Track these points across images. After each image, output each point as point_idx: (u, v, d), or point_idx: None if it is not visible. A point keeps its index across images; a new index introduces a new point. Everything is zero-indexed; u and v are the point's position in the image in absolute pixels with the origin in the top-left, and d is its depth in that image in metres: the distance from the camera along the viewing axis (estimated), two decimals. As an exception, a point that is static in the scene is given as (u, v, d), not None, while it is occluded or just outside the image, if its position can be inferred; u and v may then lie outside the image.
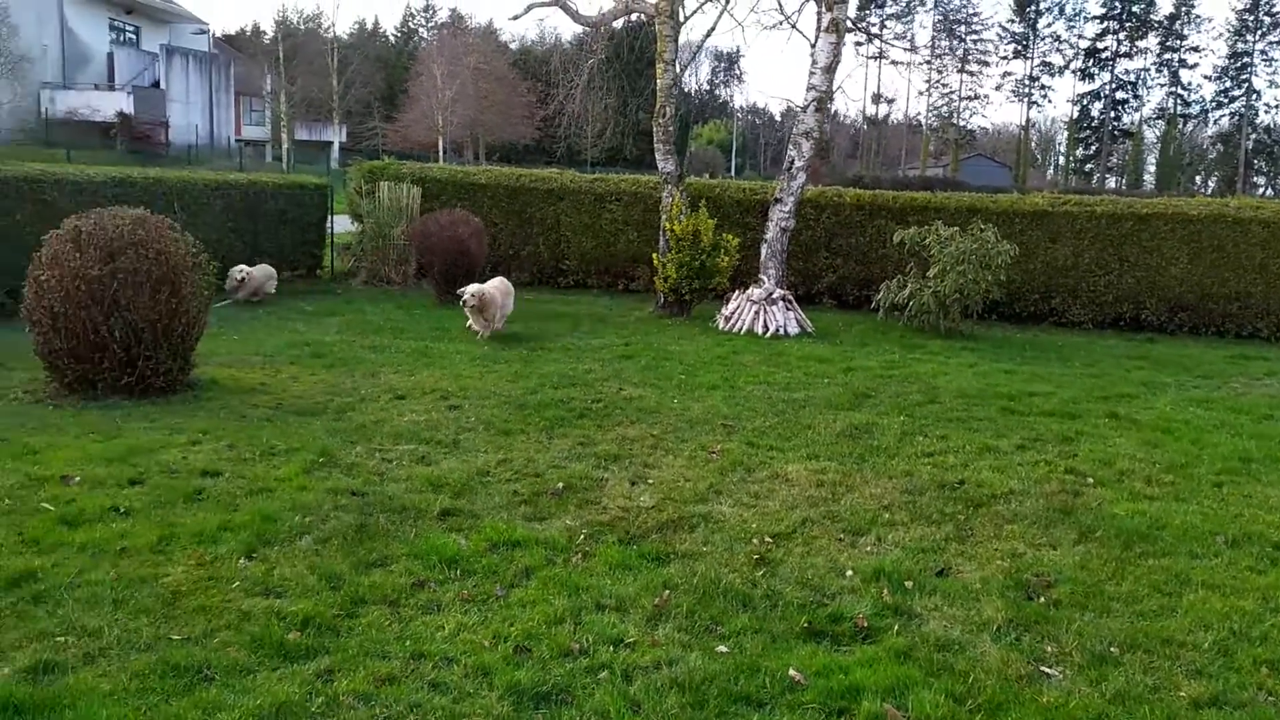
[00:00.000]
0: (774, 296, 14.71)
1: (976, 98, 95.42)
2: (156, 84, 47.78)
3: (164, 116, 46.55)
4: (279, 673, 4.15)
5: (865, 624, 4.78)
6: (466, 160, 58.19)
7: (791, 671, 4.28)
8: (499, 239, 18.70)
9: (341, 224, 20.72)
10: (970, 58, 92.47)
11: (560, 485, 6.78)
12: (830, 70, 15.07)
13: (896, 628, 4.79)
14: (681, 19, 16.33)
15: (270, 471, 6.83)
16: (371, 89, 66.48)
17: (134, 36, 50.02)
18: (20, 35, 38.99)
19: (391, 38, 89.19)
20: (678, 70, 16.36)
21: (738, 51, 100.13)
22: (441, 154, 57.93)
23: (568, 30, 76.73)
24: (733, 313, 14.82)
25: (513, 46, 78.35)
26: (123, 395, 8.60)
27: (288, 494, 6.36)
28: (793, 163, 15.38)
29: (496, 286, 13.04)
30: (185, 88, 49.60)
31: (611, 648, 4.47)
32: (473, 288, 12.69)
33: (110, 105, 44.40)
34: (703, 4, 17.86)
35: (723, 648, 4.50)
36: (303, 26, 66.57)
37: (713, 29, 28.31)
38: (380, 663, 4.26)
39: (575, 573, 5.30)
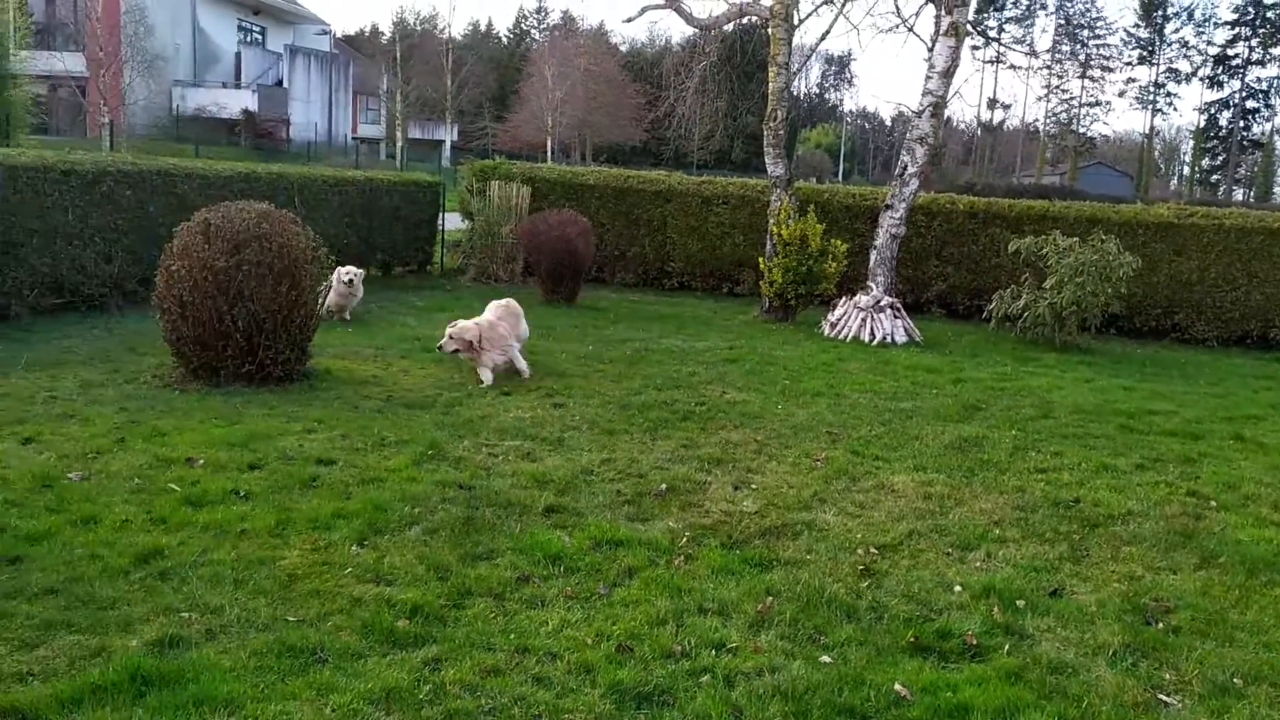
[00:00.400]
0: (882, 304, 14.49)
1: (1098, 104, 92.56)
2: (280, 83, 49.45)
3: (286, 114, 48.13)
4: (388, 659, 4.25)
5: (974, 642, 4.67)
6: (574, 161, 58.79)
7: (897, 686, 4.20)
8: (605, 239, 18.83)
9: (452, 221, 21.14)
10: (1093, 63, 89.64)
11: (663, 487, 6.79)
12: (948, 75, 14.78)
13: (1007, 647, 4.66)
14: (796, 21, 16.21)
15: (381, 462, 6.99)
16: (483, 89, 67.63)
17: (260, 37, 51.85)
18: (156, 35, 40.75)
19: (504, 39, 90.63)
20: (790, 74, 16.25)
21: (849, 55, 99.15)
22: (550, 154, 58.62)
23: (678, 33, 76.83)
24: (839, 319, 14.65)
25: (623, 49, 78.84)
26: (243, 383, 8.90)
27: (398, 484, 6.50)
28: (905, 168, 15.14)
29: (495, 314, 10.29)
30: (306, 86, 51.22)
31: (713, 652, 4.45)
32: (453, 327, 9.86)
33: (236, 103, 46.10)
34: (818, 7, 17.68)
35: (826, 658, 4.45)
36: (419, 28, 68.08)
37: (827, 32, 28.01)
38: (486, 654, 4.32)
39: (677, 575, 5.30)
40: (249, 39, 50.86)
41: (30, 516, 5.52)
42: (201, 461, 6.72)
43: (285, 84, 49.57)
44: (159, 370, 9.37)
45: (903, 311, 14.77)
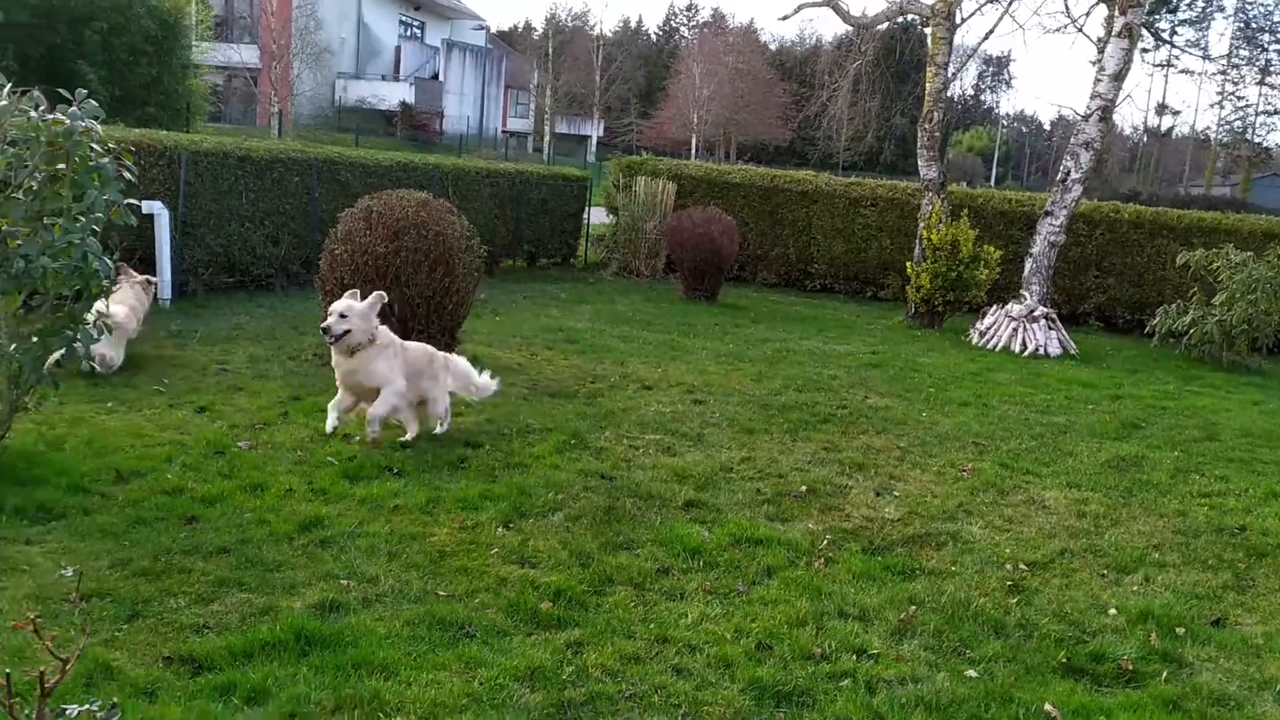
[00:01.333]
0: (1035, 314, 14.03)
1: (1276, 113, 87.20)
2: (436, 76, 50.94)
3: (440, 107, 49.56)
4: (532, 639, 4.36)
5: (1130, 667, 4.49)
6: (717, 159, 58.72)
7: (1047, 706, 4.08)
8: (748, 239, 18.78)
9: (596, 216, 21.43)
10: (1272, 69, 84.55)
11: (803, 488, 6.75)
12: (1119, 78, 14.20)
13: (1165, 674, 4.47)
14: (958, 20, 15.84)
15: (526, 448, 7.15)
16: (631, 85, 68.27)
17: (419, 31, 53.54)
18: (324, 29, 42.54)
19: (653, 35, 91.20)
20: (949, 74, 15.88)
21: (1008, 55, 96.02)
22: (694, 152, 58.76)
23: (829, 31, 75.88)
24: (988, 328, 14.26)
25: (772, 46, 78.34)
26: (397, 364, 9.22)
27: (542, 471, 6.65)
28: (1068, 174, 14.61)
29: (410, 355, 7.34)
30: (461, 80, 52.64)
31: (854, 656, 4.41)
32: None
33: (394, 95, 47.73)
34: (981, 6, 17.26)
35: (972, 672, 4.36)
36: (571, 24, 69.20)
37: (991, 32, 27.20)
38: (626, 641, 4.39)
39: (817, 577, 5.27)
40: (409, 33, 52.56)
41: (205, 480, 5.87)
42: (358, 438, 7.00)
43: (441, 78, 51.04)
44: (319, 349, 9.79)
45: (1057, 322, 14.27)
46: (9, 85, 5.25)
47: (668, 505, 6.22)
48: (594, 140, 65.29)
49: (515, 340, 11.35)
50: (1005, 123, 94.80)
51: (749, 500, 6.47)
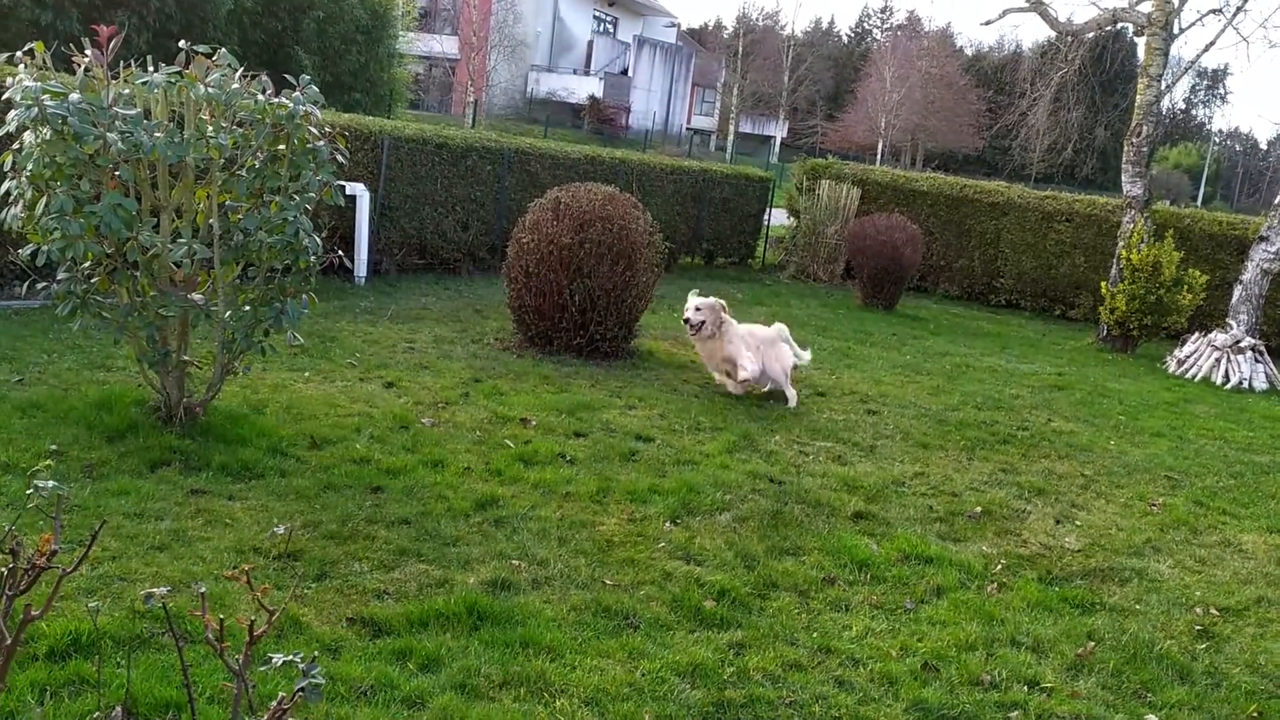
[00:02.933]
0: (1242, 344, 13.13)
1: None
2: (625, 71, 51.72)
3: (628, 102, 50.30)
4: (695, 635, 4.38)
5: (1332, 731, 4.18)
6: (903, 165, 57.38)
7: (1235, 763, 3.84)
8: (932, 249, 18.30)
9: (776, 217, 21.29)
10: None
11: (978, 509, 6.54)
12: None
13: (1371, 743, 4.14)
14: (1175, 30, 14.97)
15: (696, 445, 7.19)
16: (819, 87, 67.43)
17: (612, 27, 54.46)
18: (521, 21, 43.80)
19: (845, 37, 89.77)
20: (1162, 87, 15.03)
21: (1225, 69, 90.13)
22: (879, 157, 57.58)
23: (1029, 38, 72.92)
24: (1188, 356, 13.44)
25: (968, 51, 75.93)
26: (573, 354, 9.43)
27: (710, 469, 6.67)
28: (1287, 197, 13.61)
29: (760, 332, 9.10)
30: (649, 76, 53.27)
31: (1026, 688, 4.25)
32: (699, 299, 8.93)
33: (583, 89, 48.72)
34: (1202, 16, 16.15)
35: (1152, 717, 4.13)
36: (761, 23, 68.84)
37: (1211, 44, 25.03)
38: (788, 648, 4.36)
39: (989, 602, 5.10)
40: (601, 28, 53.53)
41: (390, 453, 6.15)
42: (534, 423, 7.20)
43: (630, 73, 51.79)
44: (500, 334, 10.11)
45: (1266, 355, 13.31)
46: (240, 70, 5.62)
47: (836, 514, 6.14)
48: (777, 140, 64.85)
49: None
50: (1217, 139, 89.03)
51: (920, 516, 6.32)
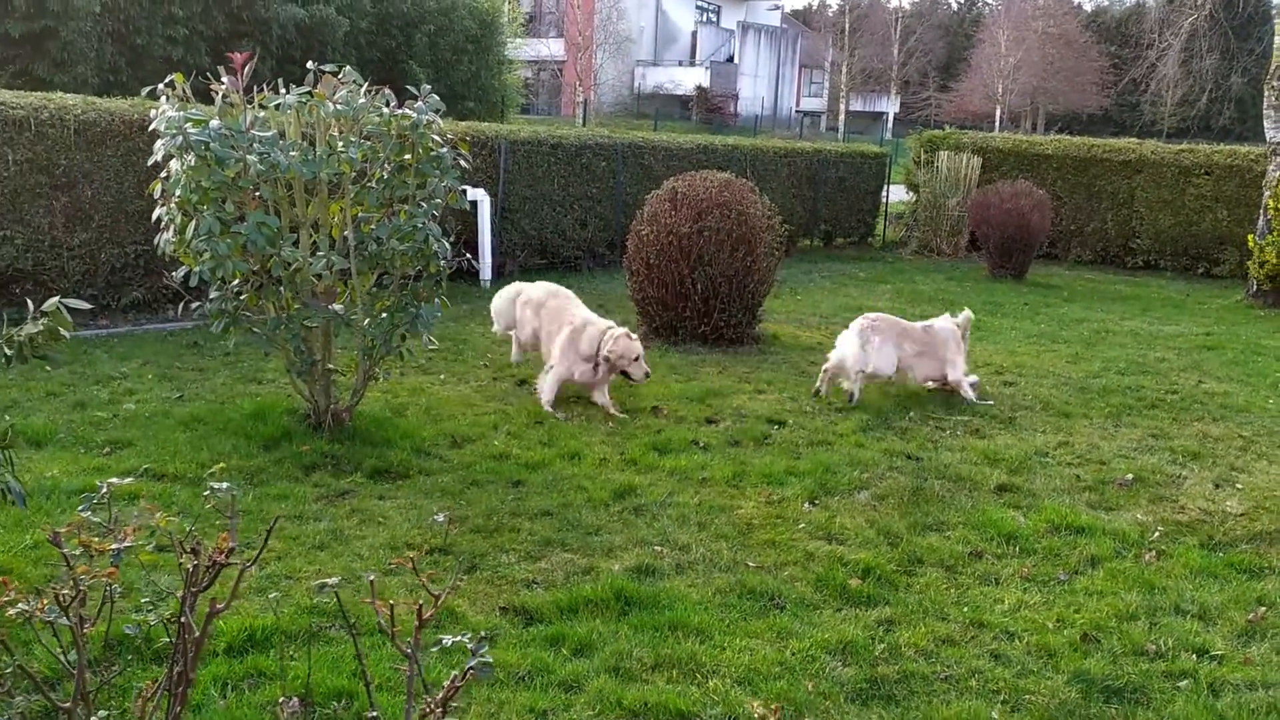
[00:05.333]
0: (1407, 291, 12.34)
1: None
2: (731, 59, 51.43)
3: (735, 89, 50.00)
4: (842, 614, 4.36)
5: None
6: (1024, 130, 55.52)
7: None
8: (1060, 214, 17.69)
9: (894, 194, 20.88)
10: None
11: (1129, 477, 6.31)
12: None
13: None
14: (1312, -36, 14.10)
15: (829, 426, 7.13)
16: (930, 58, 65.74)
17: (715, 15, 54.21)
18: (625, 18, 44.01)
19: (954, 5, 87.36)
20: (1301, 25, 14.18)
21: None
22: (997, 124, 55.84)
23: (1153, -13, 69.52)
24: (1349, 308, 12.68)
25: (1087, 7, 72.97)
26: (698, 342, 9.45)
27: (845, 449, 6.61)
28: None
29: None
30: (755, 62, 52.84)
31: (1194, 656, 4.09)
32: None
33: (690, 80, 48.67)
34: (1341, -55, 15.17)
35: (1335, 683, 3.93)
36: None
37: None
38: (939, 623, 4.30)
39: (1148, 570, 4.92)
40: (704, 18, 53.33)
41: (527, 447, 6.28)
42: (665, 412, 7.25)
43: (736, 60, 51.46)
44: (625, 327, 10.18)
45: None
46: (365, 85, 5.82)
47: (978, 488, 6.01)
48: (890, 116, 63.54)
49: (814, 319, 11.31)
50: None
51: (1067, 487, 6.14)
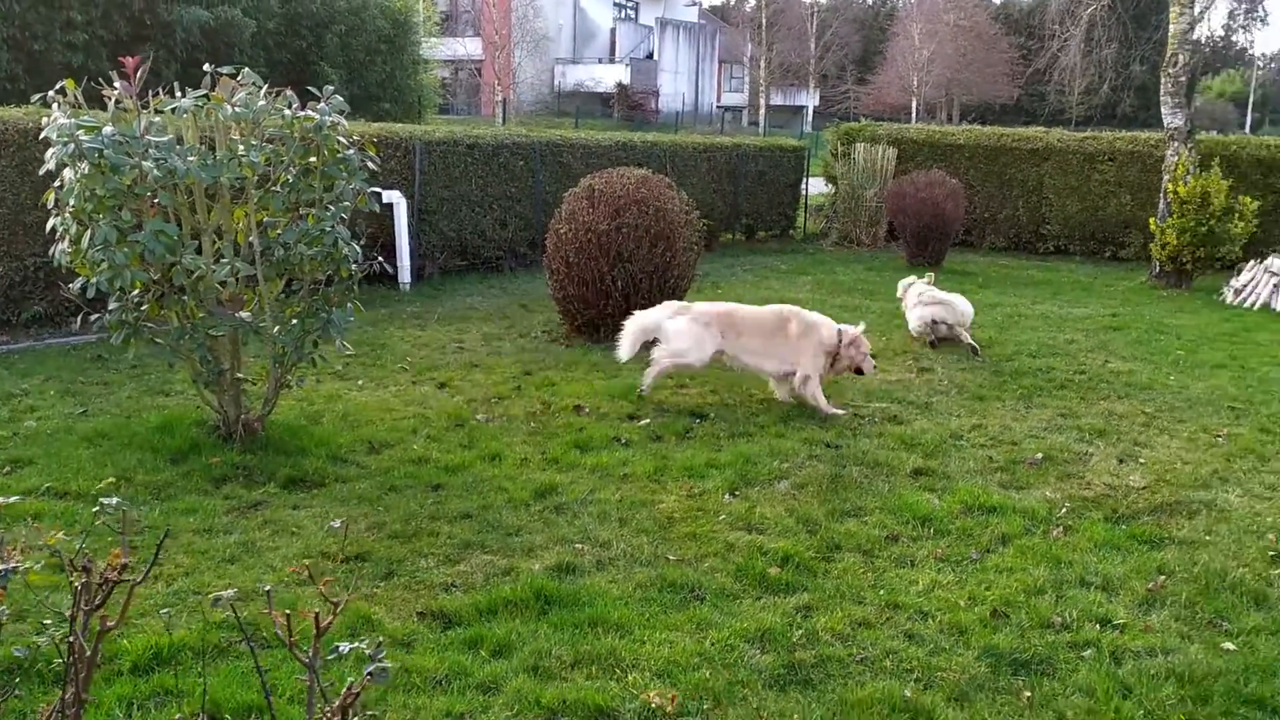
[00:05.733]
0: (1300, 268, 12.82)
1: None
2: (650, 56, 51.55)
3: (655, 86, 50.13)
4: (761, 602, 4.40)
5: None
6: (939, 122, 56.51)
7: (1318, 683, 3.78)
8: (974, 202, 18.07)
9: (814, 186, 21.13)
10: None
11: (1039, 456, 6.47)
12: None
13: None
14: (1203, -46, 14.59)
15: (749, 418, 7.19)
16: (846, 52, 66.60)
17: (633, 12, 54.28)
18: (543, 16, 43.85)
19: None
20: (1195, 13, 14.66)
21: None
22: (914, 116, 56.81)
23: (1058, -21, 71.16)
24: (1245, 285, 13.15)
25: (995, 1, 74.56)
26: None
27: (766, 440, 6.67)
28: (1336, 113, 13.22)
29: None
30: (675, 58, 53.02)
31: (1097, 626, 4.21)
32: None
33: (610, 77, 48.67)
34: (1230, -64, 15.73)
35: (1229, 645, 4.08)
36: (784, -7, 68.11)
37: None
38: (856, 606, 4.36)
39: (1056, 545, 5.06)
40: (623, 15, 53.38)
41: (447, 450, 6.23)
42: (587, 410, 7.24)
43: (655, 57, 51.60)
44: (547, 326, 10.18)
45: (1327, 277, 12.99)
46: (265, 87, 5.71)
47: (895, 473, 6.11)
48: (809, 110, 64.25)
49: (735, 312, 11.36)
50: (1261, 64, 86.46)
51: (980, 468, 6.27)
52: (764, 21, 58.65)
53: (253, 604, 4.09)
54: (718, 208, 17.30)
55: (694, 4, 58.85)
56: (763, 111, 57.58)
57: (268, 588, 2.47)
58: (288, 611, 2.32)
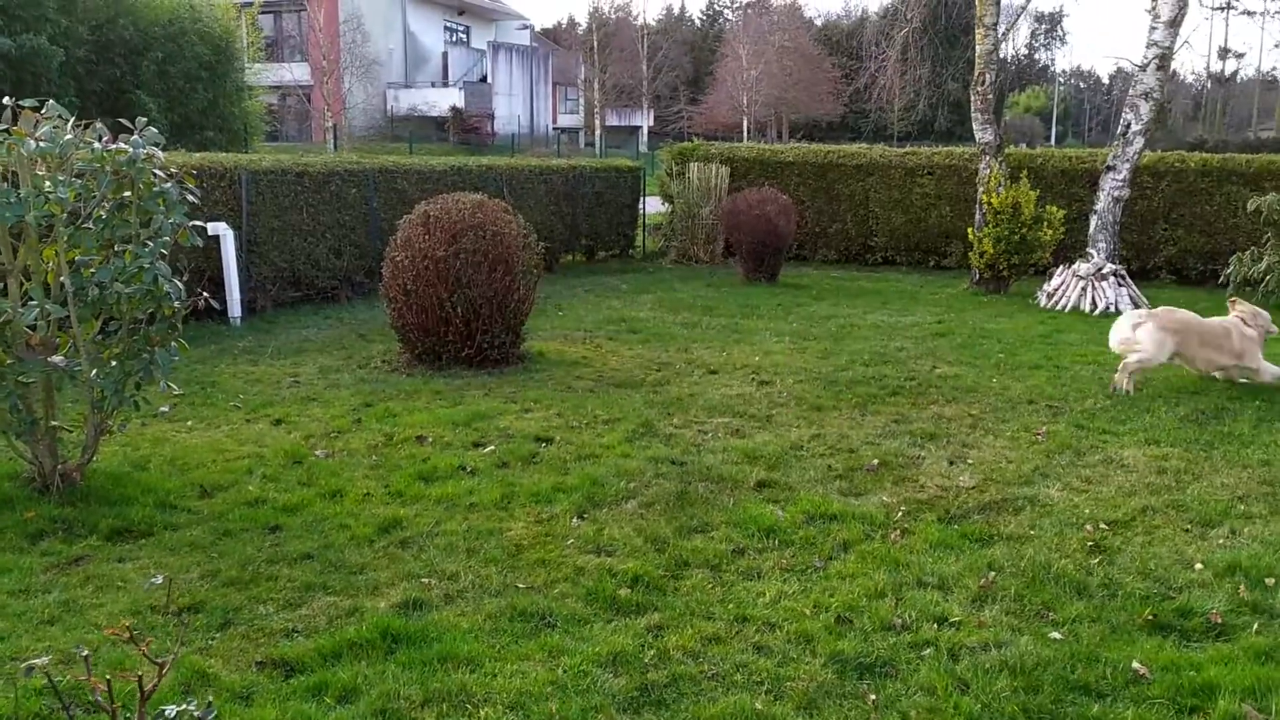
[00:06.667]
0: (1104, 271, 13.74)
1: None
2: (484, 79, 51.34)
3: (490, 109, 49.96)
4: (613, 625, 4.40)
5: (1219, 620, 4.41)
6: (770, 140, 58.27)
7: (1135, 664, 4.02)
8: (805, 216, 18.66)
9: (652, 205, 21.43)
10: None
11: (875, 462, 6.71)
12: (1175, 24, 13.82)
13: (1256, 626, 4.38)
14: (1003, -20, 15.51)
15: (595, 439, 7.20)
16: (678, 73, 67.94)
17: (465, 36, 53.98)
18: (371, 41, 43.11)
19: (698, 21, 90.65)
20: (998, 35, 15.57)
21: (1060, 11, 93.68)
22: (745, 134, 58.37)
23: (875, 2, 74.58)
24: (1056, 289, 14.00)
25: (818, 22, 77.45)
26: (463, 366, 9.34)
27: (612, 460, 6.69)
28: (1129, 127, 14.27)
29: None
30: (509, 81, 52.98)
31: (935, 625, 4.39)
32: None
33: (444, 100, 48.21)
34: (1025, -37, 16.80)
35: (1056, 634, 4.31)
36: (614, 16, 69.03)
37: (1033, -11, 25.73)
38: (706, 623, 4.41)
39: (894, 549, 5.24)
40: (454, 39, 53.02)
41: (285, 490, 6.02)
42: (430, 440, 7.12)
43: (489, 80, 51.42)
44: (387, 355, 9.97)
45: (1127, 279, 13.96)
46: (72, 119, 5.42)
47: (740, 487, 6.23)
48: (645, 130, 65.16)
49: (579, 334, 11.42)
50: (1062, 80, 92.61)
51: (821, 477, 6.45)
52: (595, 44, 59.27)
53: (76, 666, 3.84)
54: (557, 229, 17.33)
55: (525, 27, 58.98)
56: (598, 133, 58.11)
57: (85, 652, 2.31)
58: (108, 676, 2.18)
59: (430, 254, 9.19)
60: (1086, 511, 5.79)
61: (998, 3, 15.41)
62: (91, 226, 5.43)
